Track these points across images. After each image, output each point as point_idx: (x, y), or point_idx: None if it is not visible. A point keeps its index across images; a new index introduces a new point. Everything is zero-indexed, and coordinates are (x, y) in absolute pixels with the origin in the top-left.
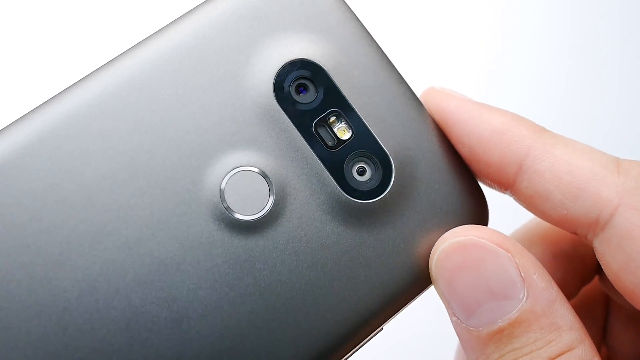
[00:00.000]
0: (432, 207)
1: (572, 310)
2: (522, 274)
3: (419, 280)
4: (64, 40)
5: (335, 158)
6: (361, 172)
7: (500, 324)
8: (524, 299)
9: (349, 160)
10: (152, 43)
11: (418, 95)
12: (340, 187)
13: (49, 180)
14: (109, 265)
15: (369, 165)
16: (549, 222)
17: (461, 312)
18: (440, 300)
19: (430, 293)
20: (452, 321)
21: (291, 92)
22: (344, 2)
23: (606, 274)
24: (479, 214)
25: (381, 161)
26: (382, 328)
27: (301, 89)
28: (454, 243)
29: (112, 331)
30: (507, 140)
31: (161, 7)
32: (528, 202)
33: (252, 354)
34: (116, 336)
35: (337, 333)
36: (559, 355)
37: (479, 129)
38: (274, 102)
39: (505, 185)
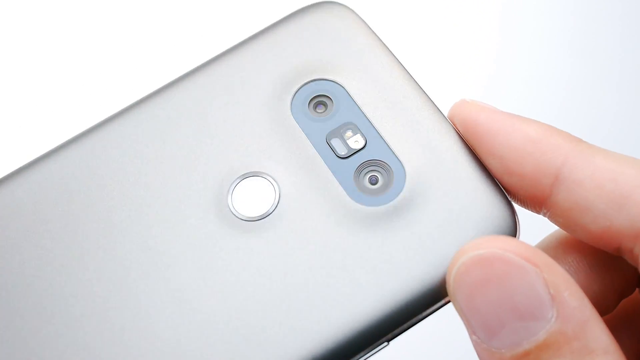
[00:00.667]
0: (450, 216)
1: (607, 331)
2: (551, 291)
3: (430, 292)
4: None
5: (346, 166)
6: (373, 181)
7: (526, 346)
8: (553, 319)
9: (360, 168)
10: (187, 76)
11: (439, 106)
12: (347, 192)
13: (78, 184)
14: (111, 263)
15: (381, 173)
16: (588, 239)
17: (482, 332)
18: (459, 317)
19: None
20: (472, 340)
21: (308, 108)
22: (364, 21)
23: None
24: (506, 225)
25: (393, 169)
26: (388, 343)
27: (319, 105)
28: (475, 256)
29: (113, 326)
30: (543, 149)
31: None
32: (566, 216)
33: (253, 355)
34: (116, 332)
35: (339, 339)
36: None
37: (511, 138)
38: (290, 116)
39: (540, 200)
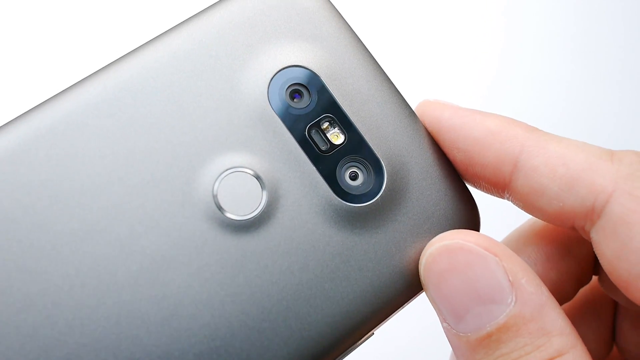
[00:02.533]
0: (423, 213)
1: (563, 314)
2: (510, 278)
3: (410, 285)
4: (65, 42)
5: (328, 162)
6: (353, 177)
7: (489, 329)
8: (512, 303)
9: (341, 164)
10: (150, 48)
11: (410, 104)
12: (332, 190)
13: (43, 176)
14: (100, 262)
15: (361, 170)
16: (546, 220)
17: (450, 317)
18: (432, 306)
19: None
20: (443, 327)
21: (285, 97)
22: (338, 11)
23: (602, 266)
24: (470, 220)
25: (373, 166)
26: (373, 333)
27: (295, 94)
28: (440, 247)
29: (102, 327)
30: (501, 139)
31: (162, 12)
32: (525, 200)
33: (240, 353)
34: (105, 332)
35: (327, 335)
36: None
37: (473, 131)
38: (268, 106)
39: (502, 186)
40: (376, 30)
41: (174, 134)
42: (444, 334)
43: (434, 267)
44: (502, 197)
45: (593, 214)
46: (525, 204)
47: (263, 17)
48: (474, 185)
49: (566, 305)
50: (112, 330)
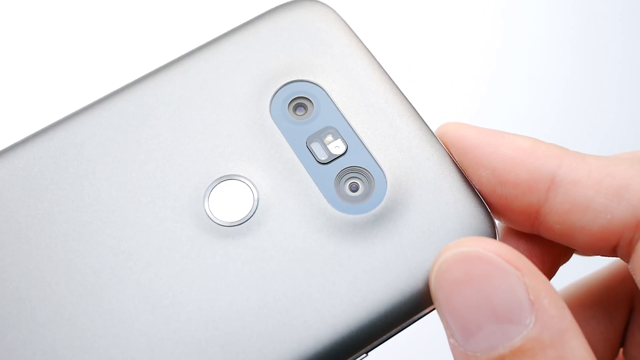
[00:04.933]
0: (431, 223)
1: (586, 344)
2: (531, 296)
3: (409, 303)
4: (81, 64)
5: (326, 172)
6: (354, 188)
7: (501, 350)
8: (531, 325)
9: (341, 174)
10: (163, 69)
11: (422, 115)
12: (327, 199)
13: (46, 182)
14: (83, 265)
15: (362, 181)
16: (588, 243)
17: (460, 334)
18: (440, 319)
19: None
20: (449, 343)
21: (288, 110)
22: (349, 27)
23: None
24: (487, 228)
25: (375, 177)
26: (367, 354)
27: (299, 107)
28: (457, 254)
29: (82, 334)
30: (536, 155)
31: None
32: (564, 220)
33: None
34: (86, 338)
35: (311, 348)
36: None
37: (502, 149)
38: (269, 118)
39: (535, 207)
40: (376, 30)
41: (173, 144)
42: (448, 350)
43: (447, 275)
44: (530, 226)
45: None
46: (564, 225)
47: (275, 39)
48: (501, 212)
49: (577, 303)
50: (93, 337)
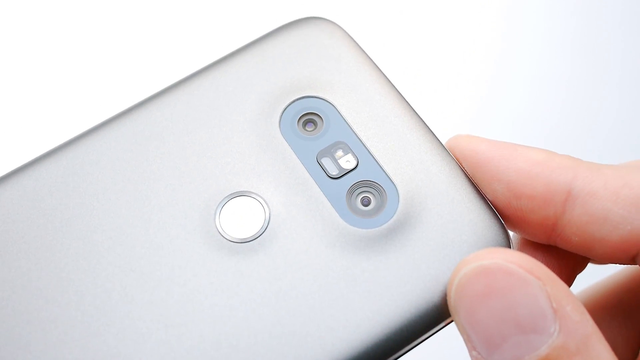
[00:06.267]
0: (445, 236)
1: (609, 348)
2: (553, 304)
3: (424, 317)
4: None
5: (337, 187)
6: (366, 202)
7: None
8: (556, 333)
9: (352, 189)
10: (171, 90)
11: (431, 128)
12: (339, 214)
13: (56, 202)
14: (94, 284)
15: (373, 195)
16: (606, 254)
17: (483, 347)
18: (459, 332)
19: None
20: (471, 356)
21: (298, 126)
22: (352, 38)
23: None
24: (502, 239)
25: (387, 191)
26: None
27: (309, 123)
28: (477, 267)
29: (94, 354)
30: (552, 167)
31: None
32: (582, 232)
33: None
34: (107, 356)
35: None
36: None
37: (517, 162)
38: (279, 134)
39: (552, 220)
40: (376, 35)
41: (184, 161)
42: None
43: (469, 289)
44: (547, 238)
45: None
46: (582, 237)
47: (282, 56)
48: (516, 224)
49: (597, 305)
50: (105, 358)
